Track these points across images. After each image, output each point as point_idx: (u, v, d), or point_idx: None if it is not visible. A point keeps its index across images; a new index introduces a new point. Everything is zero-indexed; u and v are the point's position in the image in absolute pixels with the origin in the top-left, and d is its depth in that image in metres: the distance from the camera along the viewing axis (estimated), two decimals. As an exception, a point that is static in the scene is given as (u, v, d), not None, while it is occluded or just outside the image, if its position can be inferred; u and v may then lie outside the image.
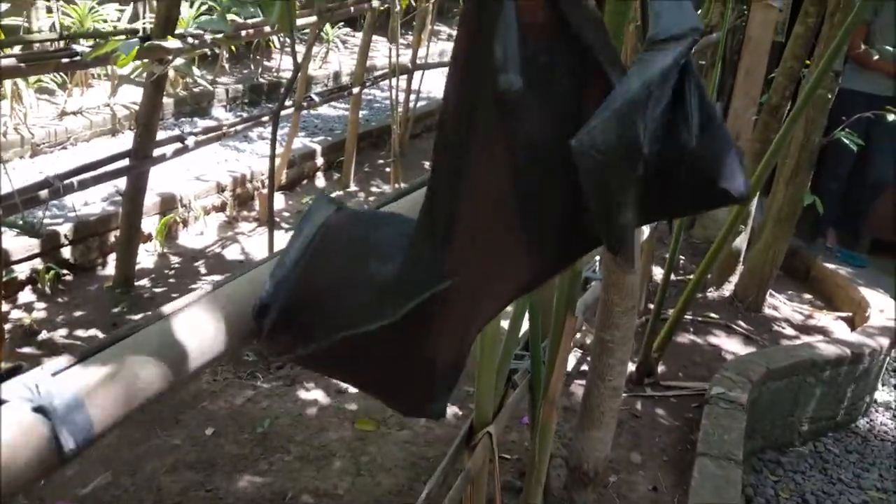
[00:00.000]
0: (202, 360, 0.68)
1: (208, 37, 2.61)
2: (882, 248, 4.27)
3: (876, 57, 3.43)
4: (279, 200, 4.16)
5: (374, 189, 4.69)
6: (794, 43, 2.95)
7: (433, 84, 6.71)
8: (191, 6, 4.63)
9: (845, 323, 3.46)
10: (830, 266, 3.88)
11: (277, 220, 3.97)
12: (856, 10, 2.02)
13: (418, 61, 4.97)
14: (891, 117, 2.78)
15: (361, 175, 4.85)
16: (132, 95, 4.42)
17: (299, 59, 2.56)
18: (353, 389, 2.51)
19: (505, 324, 1.60)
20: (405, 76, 4.81)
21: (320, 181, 4.72)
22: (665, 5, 0.65)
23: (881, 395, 3.28)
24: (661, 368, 2.84)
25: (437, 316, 0.65)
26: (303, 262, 0.66)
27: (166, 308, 0.72)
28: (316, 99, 3.86)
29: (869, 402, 3.22)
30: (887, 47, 3.29)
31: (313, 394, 2.50)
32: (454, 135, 0.62)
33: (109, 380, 0.58)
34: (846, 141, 2.82)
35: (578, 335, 2.71)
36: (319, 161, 4.78)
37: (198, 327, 0.68)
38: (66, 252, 3.18)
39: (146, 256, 3.43)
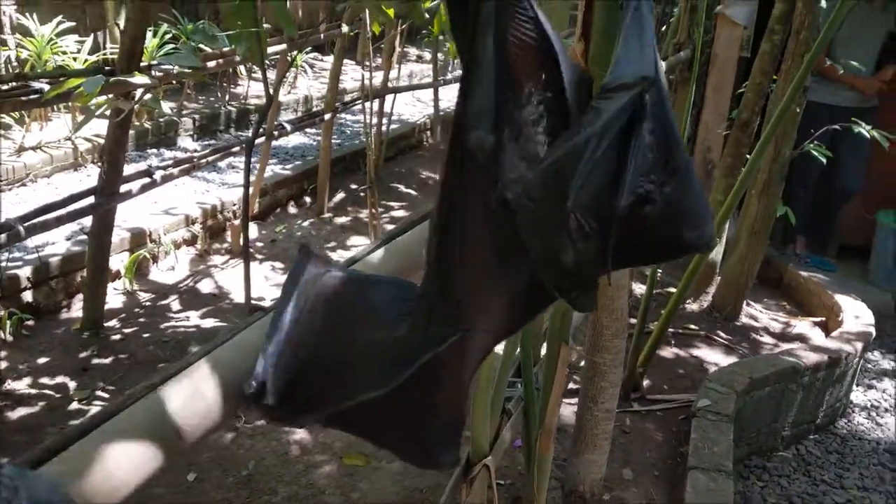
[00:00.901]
0: (194, 435, 0.64)
1: (175, 70, 2.56)
2: (849, 252, 4.39)
3: (841, 71, 3.53)
4: (252, 231, 4.10)
5: (350, 215, 4.66)
6: (761, 59, 3.02)
7: (404, 107, 6.73)
8: (154, 35, 4.56)
9: (819, 328, 3.52)
10: (803, 273, 3.94)
11: (251, 251, 3.90)
12: (826, 28, 2.07)
13: (389, 84, 4.96)
14: (856, 129, 2.85)
15: (336, 201, 4.81)
16: (94, 127, 4.33)
17: (270, 89, 2.53)
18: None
19: (498, 354, 1.58)
20: (377, 100, 4.79)
21: (293, 209, 4.66)
22: (626, 50, 0.65)
23: (856, 396, 3.34)
24: (646, 383, 2.85)
25: (446, 367, 0.65)
26: (296, 332, 0.64)
27: (156, 378, 0.68)
28: (287, 127, 3.82)
29: (846, 403, 3.27)
30: (852, 62, 3.38)
31: (298, 432, 2.44)
32: (453, 200, 0.62)
33: (92, 473, 0.54)
34: (815, 153, 2.89)
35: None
36: (292, 189, 4.73)
37: (188, 401, 0.65)
38: (29, 295, 3.07)
39: (115, 296, 3.33)
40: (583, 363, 1.93)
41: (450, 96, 7.28)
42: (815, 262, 4.22)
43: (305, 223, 4.48)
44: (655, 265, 2.70)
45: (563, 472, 2.05)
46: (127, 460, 0.55)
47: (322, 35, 3.43)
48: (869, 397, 3.33)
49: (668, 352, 3.11)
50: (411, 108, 7.12)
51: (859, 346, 3.11)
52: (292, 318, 0.63)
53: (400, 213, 4.80)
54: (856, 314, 3.38)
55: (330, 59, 8.45)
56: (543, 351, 1.93)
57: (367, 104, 3.61)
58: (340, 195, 4.94)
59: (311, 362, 0.63)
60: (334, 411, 0.61)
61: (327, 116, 4.25)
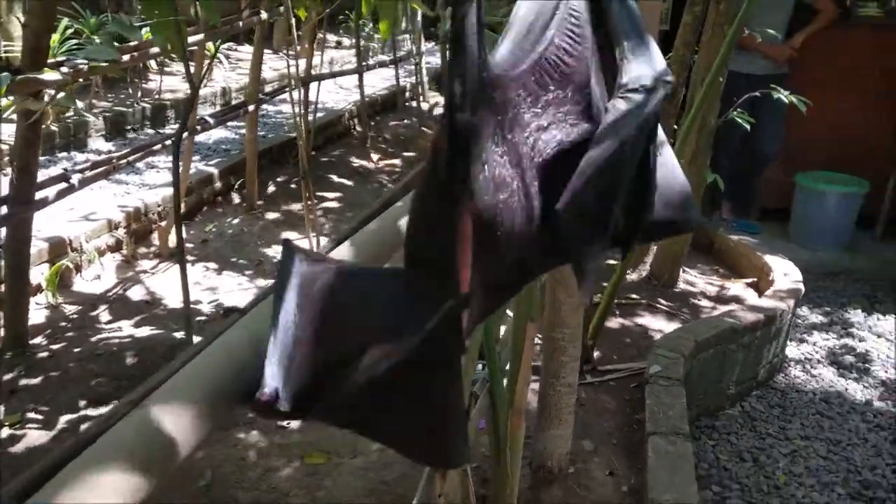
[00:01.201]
0: (183, 452, 0.59)
1: (89, 65, 2.39)
2: (769, 215, 4.60)
3: (759, 39, 3.66)
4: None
5: (283, 209, 4.52)
6: (683, 31, 3.09)
7: (327, 95, 6.58)
8: (54, 31, 4.27)
9: (752, 288, 3.66)
10: (732, 237, 4.10)
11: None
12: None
13: (312, 72, 4.83)
14: (775, 95, 2.96)
15: (266, 195, 4.66)
16: (-2, 134, 4.03)
17: (191, 83, 2.40)
18: (294, 423, 2.39)
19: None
20: (302, 88, 4.66)
21: (222, 207, 4.49)
22: (633, 48, 0.64)
23: (791, 350, 3.50)
24: (596, 354, 2.89)
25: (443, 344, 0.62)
26: (303, 333, 0.60)
27: (139, 390, 0.62)
28: (211, 121, 3.65)
29: (782, 358, 3.42)
30: (768, 30, 3.51)
31: (253, 434, 2.35)
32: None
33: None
34: (739, 120, 2.98)
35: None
36: (218, 185, 4.55)
37: (177, 415, 0.59)
38: (-58, 317, 2.84)
39: (38, 311, 3.12)
40: (538, 340, 1.93)
41: (374, 82, 7.19)
42: (741, 225, 4.40)
43: (236, 220, 4.32)
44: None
45: (529, 449, 2.06)
46: (123, 483, 0.49)
47: (241, 23, 3.28)
48: (802, 351, 3.50)
49: (613, 322, 3.17)
50: (335, 95, 6.98)
51: (791, 302, 3.25)
52: (296, 320, 0.59)
53: (334, 205, 4.70)
54: (785, 272, 3.54)
55: (245, 48, 8.18)
56: (502, 331, 1.92)
57: (294, 93, 3.49)
58: (271, 189, 4.80)
59: (323, 359, 0.58)
60: (346, 394, 0.57)
61: (251, 108, 4.10)
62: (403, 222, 1.01)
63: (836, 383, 3.11)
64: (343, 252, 0.92)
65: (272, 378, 0.56)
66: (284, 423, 2.36)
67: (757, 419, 2.99)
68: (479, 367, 1.79)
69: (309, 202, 3.56)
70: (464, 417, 0.66)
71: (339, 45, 9.22)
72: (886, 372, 3.17)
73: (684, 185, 0.74)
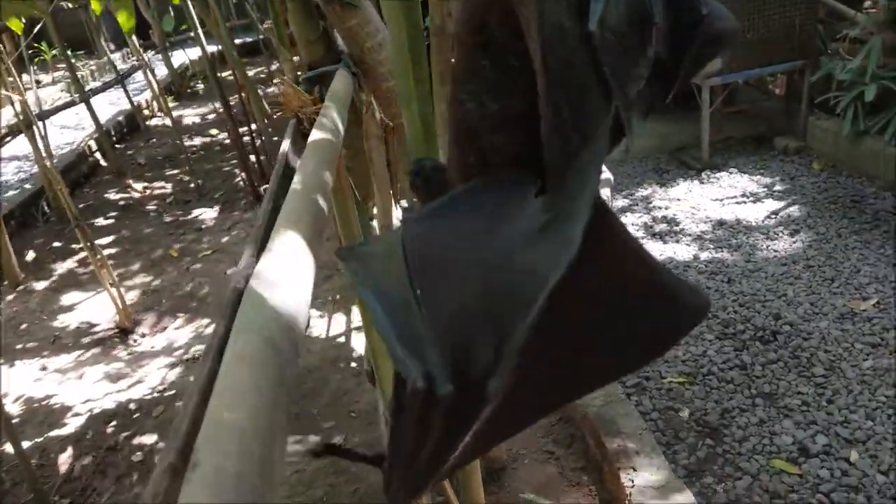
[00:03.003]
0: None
1: None
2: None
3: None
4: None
5: (56, 273, 3.86)
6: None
7: (53, 138, 5.72)
8: None
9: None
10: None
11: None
12: None
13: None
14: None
15: (26, 265, 3.95)
16: None
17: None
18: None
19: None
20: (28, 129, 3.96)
21: (-23, 292, 3.72)
22: None
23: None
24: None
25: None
26: (439, 301, 0.48)
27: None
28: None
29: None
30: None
31: None
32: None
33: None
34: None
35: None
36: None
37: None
38: None
39: None
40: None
41: (101, 110, 6.39)
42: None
43: (2, 304, 3.62)
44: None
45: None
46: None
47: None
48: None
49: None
50: (60, 137, 6.09)
51: (607, 191, 3.51)
52: (429, 291, 0.47)
53: (115, 249, 4.13)
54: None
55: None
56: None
57: (26, 133, 2.96)
58: (30, 255, 4.08)
59: (471, 321, 0.46)
60: (524, 341, 0.44)
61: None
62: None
63: (664, 251, 3.43)
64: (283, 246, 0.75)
65: (423, 364, 0.44)
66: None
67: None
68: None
69: (92, 250, 3.06)
70: (669, 271, 0.55)
71: (38, 83, 8.06)
72: (697, 227, 3.56)
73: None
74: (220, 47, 4.86)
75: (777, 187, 3.82)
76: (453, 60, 0.56)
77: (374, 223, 1.39)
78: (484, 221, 0.50)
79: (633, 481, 1.73)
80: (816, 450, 2.12)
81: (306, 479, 2.01)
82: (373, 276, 0.52)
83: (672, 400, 2.42)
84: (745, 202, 3.74)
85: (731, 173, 4.06)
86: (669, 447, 2.21)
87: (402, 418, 0.49)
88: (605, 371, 0.52)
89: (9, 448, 2.34)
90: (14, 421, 2.62)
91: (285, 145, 0.86)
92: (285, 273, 0.58)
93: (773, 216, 3.55)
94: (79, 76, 6.88)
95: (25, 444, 2.42)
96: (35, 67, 8.33)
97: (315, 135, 0.87)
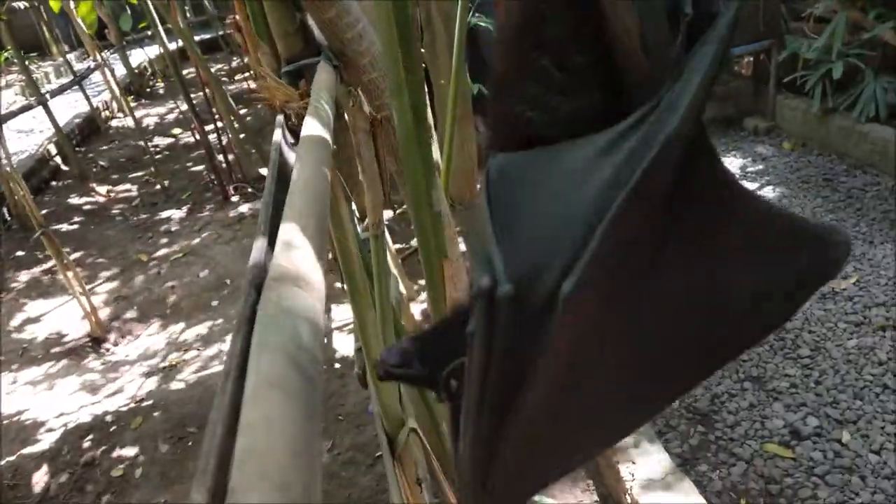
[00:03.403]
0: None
1: None
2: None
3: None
4: None
5: (18, 281, 3.72)
6: None
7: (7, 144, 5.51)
8: None
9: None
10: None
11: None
12: None
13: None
14: None
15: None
16: None
17: None
18: (176, 499, 1.99)
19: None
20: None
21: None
22: None
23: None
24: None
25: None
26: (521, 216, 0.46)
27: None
28: None
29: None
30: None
31: None
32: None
33: None
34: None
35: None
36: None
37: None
38: None
39: None
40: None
41: (59, 112, 6.18)
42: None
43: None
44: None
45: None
46: None
47: None
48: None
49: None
50: (15, 143, 5.87)
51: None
52: (503, 215, 0.46)
53: (83, 256, 3.99)
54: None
55: None
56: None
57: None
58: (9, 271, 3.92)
59: (540, 238, 0.44)
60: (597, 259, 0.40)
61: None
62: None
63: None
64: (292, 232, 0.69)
65: (484, 271, 0.43)
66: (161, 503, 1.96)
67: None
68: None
69: (61, 256, 2.95)
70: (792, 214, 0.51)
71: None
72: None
73: None
74: (180, 44, 4.72)
75: (749, 168, 3.84)
76: (496, 68, 0.50)
77: (365, 222, 1.34)
78: (563, 157, 0.45)
79: (633, 475, 1.71)
80: (808, 432, 2.13)
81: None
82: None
83: (661, 387, 2.42)
84: (720, 186, 3.76)
85: (704, 157, 4.08)
86: (661, 435, 2.20)
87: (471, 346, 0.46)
88: (709, 346, 0.47)
89: (-21, 469, 2.24)
90: (-17, 440, 2.51)
91: (277, 140, 0.81)
92: (299, 281, 0.52)
93: (749, 199, 3.58)
94: (34, 78, 6.65)
95: (-3, 464, 2.32)
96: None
97: (308, 129, 0.81)
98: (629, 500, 1.63)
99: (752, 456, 2.09)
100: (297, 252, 0.56)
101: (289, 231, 0.60)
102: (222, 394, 0.45)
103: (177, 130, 6.08)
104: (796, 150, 3.93)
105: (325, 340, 2.82)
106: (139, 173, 5.23)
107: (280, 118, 0.92)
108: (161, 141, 5.92)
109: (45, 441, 2.52)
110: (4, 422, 2.66)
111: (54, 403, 2.73)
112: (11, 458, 2.45)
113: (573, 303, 0.41)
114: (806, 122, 3.95)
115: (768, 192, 3.55)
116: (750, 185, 3.65)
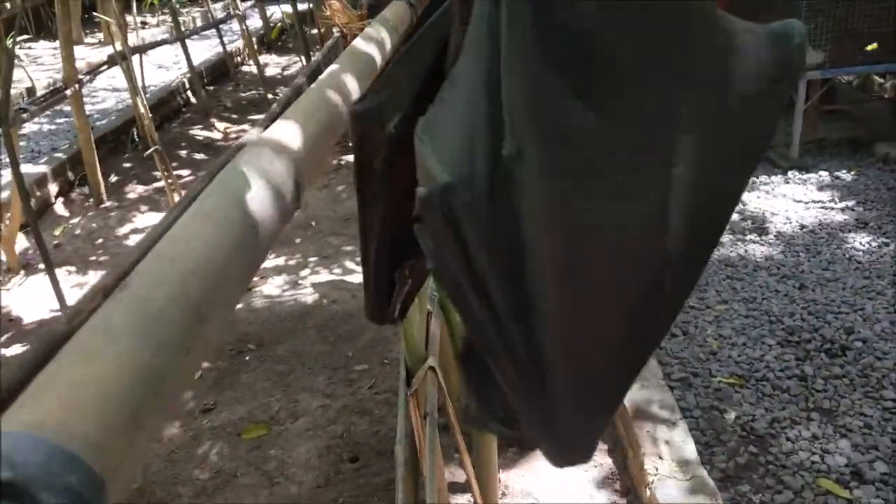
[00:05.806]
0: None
1: None
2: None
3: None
4: (22, 242, 3.39)
5: (135, 195, 4.05)
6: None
7: (150, 76, 5.97)
8: None
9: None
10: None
11: (31, 263, 3.25)
12: None
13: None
14: None
15: (111, 186, 4.15)
16: None
17: None
18: (223, 403, 2.13)
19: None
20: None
21: (64, 208, 3.94)
22: None
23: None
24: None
25: None
26: None
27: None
28: (28, 109, 3.13)
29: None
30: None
31: (174, 426, 2.07)
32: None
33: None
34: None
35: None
36: (54, 186, 3.98)
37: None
38: None
39: None
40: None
41: (197, 52, 6.61)
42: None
43: (85, 219, 3.81)
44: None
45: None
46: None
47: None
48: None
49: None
50: (158, 76, 6.34)
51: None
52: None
53: (191, 179, 4.28)
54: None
55: (41, 45, 7.24)
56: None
57: (123, 67, 3.07)
58: (113, 179, 4.28)
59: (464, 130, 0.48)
60: None
61: (69, 92, 3.57)
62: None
63: (735, 248, 3.26)
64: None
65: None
66: (209, 403, 2.10)
67: (672, 296, 3.08)
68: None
69: (167, 175, 3.18)
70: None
71: (144, 24, 8.42)
72: (775, 227, 3.37)
73: None
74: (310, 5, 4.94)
75: (870, 196, 3.55)
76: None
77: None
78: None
79: (657, 469, 1.66)
80: (873, 476, 1.98)
81: (330, 415, 2.03)
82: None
83: (719, 400, 2.31)
84: (831, 208, 3.51)
85: (820, 176, 3.81)
86: (708, 447, 2.11)
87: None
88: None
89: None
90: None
91: (320, 54, 0.85)
92: (276, 146, 0.55)
93: (862, 226, 3.31)
94: (180, 21, 7.13)
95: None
96: (144, 11, 8.70)
97: (353, 45, 0.85)
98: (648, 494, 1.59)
99: (803, 487, 1.96)
100: (283, 125, 0.60)
101: (289, 114, 0.64)
102: (164, 219, 0.49)
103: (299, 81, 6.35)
104: (929, 187, 3.60)
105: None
106: (257, 116, 5.52)
107: (337, 34, 0.96)
108: (281, 90, 6.21)
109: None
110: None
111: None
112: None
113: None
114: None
115: (886, 225, 3.27)
116: (867, 214, 3.38)
